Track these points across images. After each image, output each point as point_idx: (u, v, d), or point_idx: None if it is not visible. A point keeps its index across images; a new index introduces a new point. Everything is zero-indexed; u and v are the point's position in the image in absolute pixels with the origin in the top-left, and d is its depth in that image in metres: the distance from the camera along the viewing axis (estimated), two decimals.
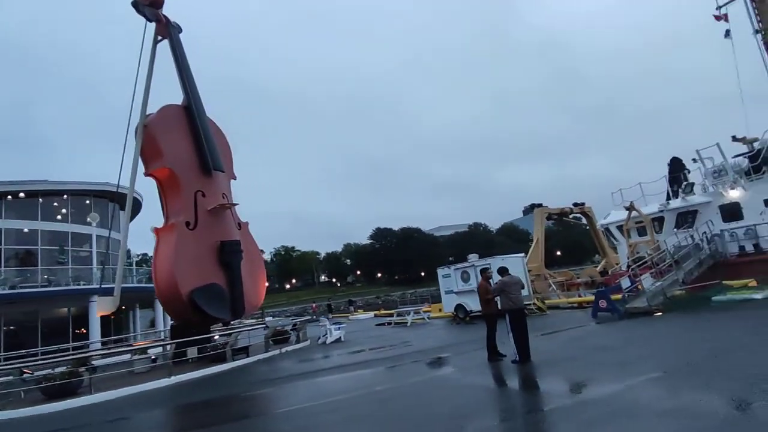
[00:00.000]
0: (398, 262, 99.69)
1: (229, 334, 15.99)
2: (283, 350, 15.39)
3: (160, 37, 16.72)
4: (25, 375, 11.06)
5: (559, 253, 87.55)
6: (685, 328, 10.45)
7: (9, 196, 25.05)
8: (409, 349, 12.12)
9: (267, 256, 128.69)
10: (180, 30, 17.70)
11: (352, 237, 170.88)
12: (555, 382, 6.57)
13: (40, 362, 12.90)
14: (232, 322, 16.52)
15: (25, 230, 24.81)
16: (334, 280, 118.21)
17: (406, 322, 20.42)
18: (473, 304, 18.54)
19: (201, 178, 15.72)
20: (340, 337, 16.99)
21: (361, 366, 10.39)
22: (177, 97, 16.71)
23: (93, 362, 12.77)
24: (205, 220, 15.31)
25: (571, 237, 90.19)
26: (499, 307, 8.49)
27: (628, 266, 16.34)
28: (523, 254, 19.25)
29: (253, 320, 38.49)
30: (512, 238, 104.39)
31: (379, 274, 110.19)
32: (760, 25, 19.40)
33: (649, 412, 4.57)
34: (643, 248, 17.80)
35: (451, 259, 19.68)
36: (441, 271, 20.52)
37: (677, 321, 11.44)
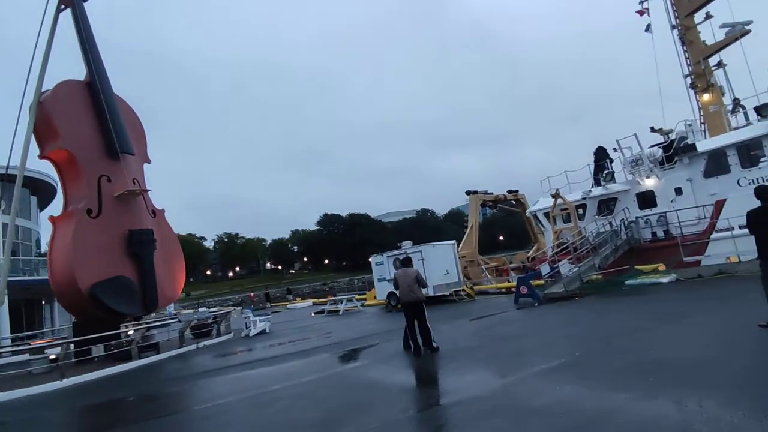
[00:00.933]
0: (346, 248, 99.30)
1: (153, 327, 15.05)
2: (201, 344, 14.54)
3: (63, 6, 15.00)
4: None
5: (502, 238, 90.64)
6: (597, 312, 10.78)
7: None
8: (328, 341, 11.74)
9: (209, 244, 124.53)
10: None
11: (299, 224, 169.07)
12: (445, 377, 6.43)
13: None
14: (144, 317, 15.42)
15: None
16: (280, 267, 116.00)
17: (338, 311, 20.09)
18: None
19: (106, 161, 14.39)
20: (264, 329, 16.34)
21: (269, 362, 9.88)
22: (80, 73, 15.17)
23: None
24: (110, 208, 14.07)
25: (514, 222, 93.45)
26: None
27: (547, 253, 16.81)
28: (453, 241, 19.34)
29: (189, 311, 37.04)
30: (459, 224, 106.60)
31: (327, 261, 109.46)
32: (677, 20, 20.32)
33: (521, 410, 4.42)
34: (567, 234, 18.39)
35: (399, 244, 19.56)
36: (374, 259, 20.31)
37: (589, 306, 11.78)
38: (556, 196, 19.34)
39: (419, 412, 4.96)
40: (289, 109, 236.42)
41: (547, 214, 20.94)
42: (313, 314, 22.19)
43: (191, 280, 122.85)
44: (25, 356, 13.06)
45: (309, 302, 33.32)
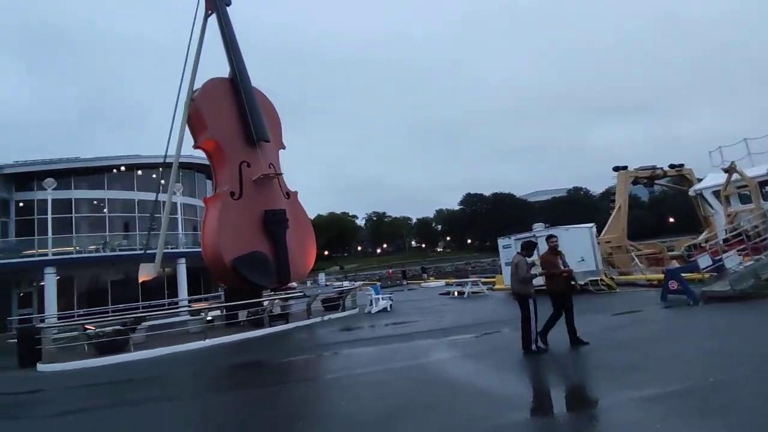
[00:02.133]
0: (489, 227, 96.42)
1: (287, 299, 16.67)
2: (326, 318, 15.52)
3: (209, 12, 17.03)
4: (87, 331, 12.36)
5: (672, 219, 77.88)
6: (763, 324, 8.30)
7: (114, 170, 28.29)
8: (438, 325, 11.37)
9: (360, 222, 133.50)
10: (229, 3, 17.86)
11: (442, 203, 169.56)
12: (524, 386, 5.54)
13: (109, 318, 14.46)
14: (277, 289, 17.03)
15: (125, 200, 27.96)
16: (424, 245, 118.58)
17: (464, 294, 19.51)
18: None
19: (246, 149, 16.04)
20: (386, 307, 16.70)
21: (372, 342, 10.00)
22: (224, 69, 17.09)
23: (150, 322, 14.06)
24: (250, 190, 15.70)
25: (687, 201, 79.49)
26: None
27: (707, 240, 13.50)
28: (592, 224, 17.00)
29: (338, 283, 40.28)
30: None
31: (470, 240, 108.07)
32: None
33: None
34: (744, 218, 14.58)
35: (547, 225, 18.18)
36: (501, 242, 19.12)
37: (763, 313, 9.16)
38: (730, 170, 15.35)
39: (471, 422, 4.30)
40: (426, 92, 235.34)
41: (716, 193, 16.90)
42: (440, 294, 22.09)
43: (345, 254, 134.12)
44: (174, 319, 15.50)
45: (442, 282, 33.26)
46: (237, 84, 16.45)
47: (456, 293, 20.38)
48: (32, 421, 6.43)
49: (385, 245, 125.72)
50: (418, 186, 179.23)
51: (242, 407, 5.81)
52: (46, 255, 22.71)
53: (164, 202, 16.21)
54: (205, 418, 5.69)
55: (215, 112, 15.72)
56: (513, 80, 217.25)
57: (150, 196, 28.76)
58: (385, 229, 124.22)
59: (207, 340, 12.12)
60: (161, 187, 29.56)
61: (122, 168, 28.32)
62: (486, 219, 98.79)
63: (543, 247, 8.15)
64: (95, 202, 27.61)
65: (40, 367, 10.61)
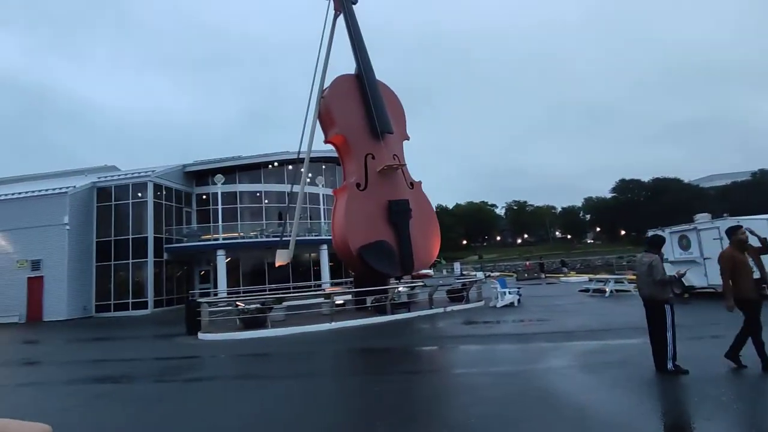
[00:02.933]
0: (648, 218, 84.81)
1: (412, 288, 17.03)
2: (448, 309, 15.38)
3: (337, 13, 17.97)
4: (239, 307, 14.25)
5: None
6: None
7: (269, 165, 31.97)
8: (562, 327, 10.37)
9: (500, 211, 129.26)
10: (355, 1, 18.60)
11: (589, 191, 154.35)
12: (646, 417, 4.62)
13: (256, 297, 16.46)
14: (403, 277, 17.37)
15: (278, 191, 31.42)
16: (569, 236, 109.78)
17: (605, 292, 17.50)
18: (694, 278, 14.61)
19: (371, 141, 16.63)
20: (513, 302, 15.88)
21: (483, 340, 9.55)
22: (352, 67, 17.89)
23: (289, 302, 15.61)
24: (374, 181, 16.27)
25: None
26: None
27: None
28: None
29: (476, 273, 39.73)
30: None
31: (624, 232, 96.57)
32: None
33: None
34: None
35: (724, 215, 15.48)
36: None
37: None
38: None
39: None
40: (561, 68, 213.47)
41: None
42: (579, 291, 20.25)
43: (484, 244, 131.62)
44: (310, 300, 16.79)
45: (585, 277, 30.34)
46: (362, 79, 17.11)
47: (595, 291, 18.39)
48: (175, 384, 7.62)
49: (526, 235, 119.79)
50: (562, 173, 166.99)
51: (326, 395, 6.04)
52: (218, 240, 26.84)
53: (297, 194, 17.65)
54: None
55: (342, 108, 16.60)
56: (672, 45, 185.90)
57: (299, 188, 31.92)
58: (526, 218, 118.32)
59: (333, 323, 12.99)
60: (298, 180, 32.71)
61: (275, 164, 31.84)
62: (644, 208, 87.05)
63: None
64: (257, 194, 31.62)
65: (200, 335, 12.59)
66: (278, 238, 28.86)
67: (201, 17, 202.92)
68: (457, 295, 16.96)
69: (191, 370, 8.75)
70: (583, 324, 10.64)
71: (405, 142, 18.22)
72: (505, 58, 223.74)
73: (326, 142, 16.95)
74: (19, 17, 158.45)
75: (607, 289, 17.51)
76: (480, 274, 36.78)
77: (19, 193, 24.95)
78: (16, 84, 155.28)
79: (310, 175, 33.10)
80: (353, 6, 18.39)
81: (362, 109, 16.89)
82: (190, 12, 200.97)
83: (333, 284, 27.85)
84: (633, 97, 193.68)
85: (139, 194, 25.62)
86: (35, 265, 23.71)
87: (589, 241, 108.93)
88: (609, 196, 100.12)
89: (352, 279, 32.05)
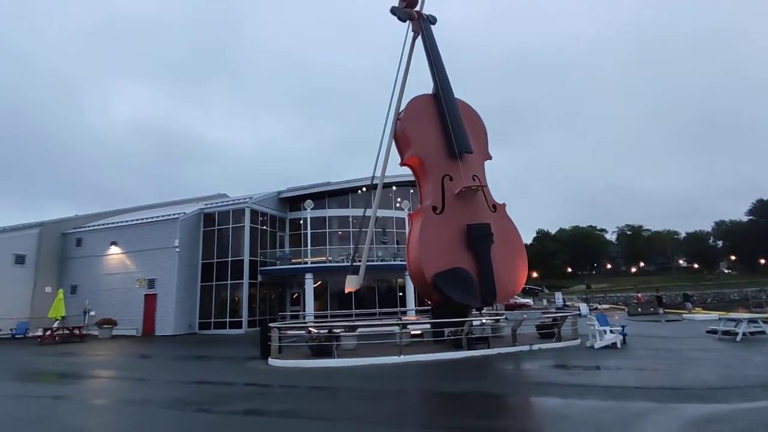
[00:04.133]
0: None
1: (497, 320, 15.65)
2: (535, 347, 13.68)
3: (415, 34, 17.74)
4: (312, 333, 14.09)
5: None
6: None
7: (358, 191, 32.53)
8: (671, 381, 8.43)
9: (610, 237, 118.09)
10: (434, 21, 18.24)
11: (720, 213, 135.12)
12: None
13: (337, 321, 16.25)
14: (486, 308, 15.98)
15: (365, 215, 31.62)
16: (697, 265, 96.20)
17: (736, 335, 14.37)
18: None
19: (448, 162, 15.81)
20: (615, 343, 13.68)
21: (570, 392, 7.99)
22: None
23: (364, 329, 15.16)
24: (452, 204, 15.35)
25: None
26: None
27: None
28: None
29: (584, 304, 36.14)
30: None
31: (762, 261, 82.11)
32: None
33: None
34: None
35: None
36: None
37: None
38: None
39: None
40: (666, 74, 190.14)
41: None
42: (706, 332, 17.04)
43: (593, 273, 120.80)
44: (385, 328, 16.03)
45: (714, 315, 25.69)
46: (439, 98, 16.50)
47: (724, 333, 15.19)
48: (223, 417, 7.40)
49: (642, 264, 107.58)
50: (683, 194, 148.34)
51: None
52: (306, 264, 27.63)
53: (369, 218, 17.33)
54: None
55: (418, 128, 16.08)
56: None
57: (386, 212, 31.95)
58: (642, 244, 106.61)
59: (402, 356, 12.17)
60: (392, 204, 32.61)
61: (363, 189, 32.28)
62: None
63: None
64: (346, 218, 32.27)
65: (270, 361, 12.56)
66: (358, 263, 29.23)
67: (296, 57, 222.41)
68: (547, 331, 15.14)
69: (244, 400, 8.54)
70: (701, 378, 8.55)
71: (489, 163, 17.11)
72: (602, 64, 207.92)
73: (402, 164, 16.49)
74: (146, 69, 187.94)
75: (738, 332, 14.36)
76: (584, 307, 33.24)
77: (141, 219, 28.24)
78: (151, 125, 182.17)
79: (399, 199, 33.07)
80: (432, 26, 18.05)
81: (439, 129, 16.21)
82: (289, 54, 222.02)
83: (418, 312, 26.97)
84: (755, 100, 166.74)
85: (239, 219, 27.47)
86: (151, 283, 26.39)
87: (725, 271, 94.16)
88: (746, 219, 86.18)
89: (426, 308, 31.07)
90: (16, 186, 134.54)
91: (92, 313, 26.81)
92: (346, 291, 15.84)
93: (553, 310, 29.36)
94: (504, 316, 14.68)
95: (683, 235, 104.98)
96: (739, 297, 61.04)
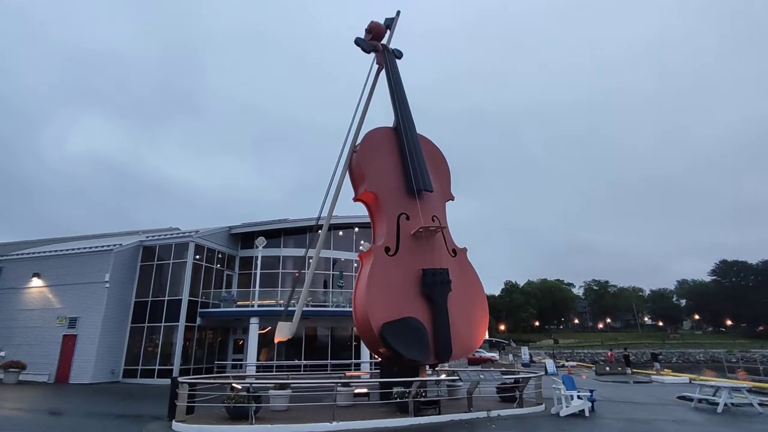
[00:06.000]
0: (760, 307, 72.71)
1: (453, 380, 13.74)
2: (494, 413, 11.81)
3: (378, 66, 16.83)
4: (233, 389, 11.79)
5: None
6: None
7: (318, 230, 30.65)
8: None
9: (577, 291, 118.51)
10: (399, 56, 17.46)
11: (682, 272, 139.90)
12: None
13: (258, 378, 13.97)
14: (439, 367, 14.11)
15: (323, 258, 29.68)
16: (661, 323, 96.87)
17: (716, 406, 12.89)
18: None
19: (405, 199, 14.42)
20: (583, 410, 11.97)
21: None
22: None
23: (302, 383, 12.98)
24: (407, 246, 13.81)
25: None
26: None
27: None
28: None
29: (549, 360, 34.35)
30: None
31: (730, 322, 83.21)
32: None
33: None
34: None
35: None
36: None
37: None
38: None
39: None
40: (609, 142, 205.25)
41: None
42: (677, 398, 15.59)
43: (560, 327, 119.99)
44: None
45: (684, 377, 24.43)
46: (400, 132, 15.34)
47: (701, 401, 13.72)
48: None
49: (608, 320, 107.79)
50: (645, 252, 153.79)
51: None
52: (252, 306, 25.20)
53: (310, 259, 15.56)
54: None
55: (375, 162, 14.72)
56: (746, 113, 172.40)
57: (346, 254, 30.08)
58: (608, 300, 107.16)
59: (334, 423, 10.08)
60: (353, 246, 30.83)
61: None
62: (754, 294, 74.74)
63: None
64: (301, 259, 30.16)
65: (174, 425, 10.21)
66: (318, 308, 26.93)
67: (255, 103, 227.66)
68: (508, 395, 13.33)
69: None
70: None
71: (450, 204, 15.83)
72: (552, 135, 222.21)
73: (355, 199, 14.98)
74: (108, 105, 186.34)
75: (719, 402, 12.89)
76: (550, 363, 31.53)
77: (71, 249, 25.44)
78: (107, 159, 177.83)
79: (361, 241, 31.32)
80: (397, 60, 17.21)
81: (398, 163, 14.93)
82: (248, 100, 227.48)
83: (375, 365, 24.69)
84: (702, 173, 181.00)
85: (181, 254, 25.05)
86: (72, 322, 23.32)
87: (691, 331, 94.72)
88: (708, 279, 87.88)
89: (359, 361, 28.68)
90: None
91: (2, 353, 23.41)
92: (276, 340, 13.71)
93: (520, 368, 27.60)
94: (458, 377, 12.79)
95: (647, 292, 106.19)
96: (704, 358, 60.62)
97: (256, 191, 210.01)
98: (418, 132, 15.90)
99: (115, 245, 24.43)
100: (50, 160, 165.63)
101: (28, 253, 26.82)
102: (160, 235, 27.41)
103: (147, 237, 26.92)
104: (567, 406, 12.06)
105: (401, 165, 14.92)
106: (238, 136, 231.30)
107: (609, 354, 36.79)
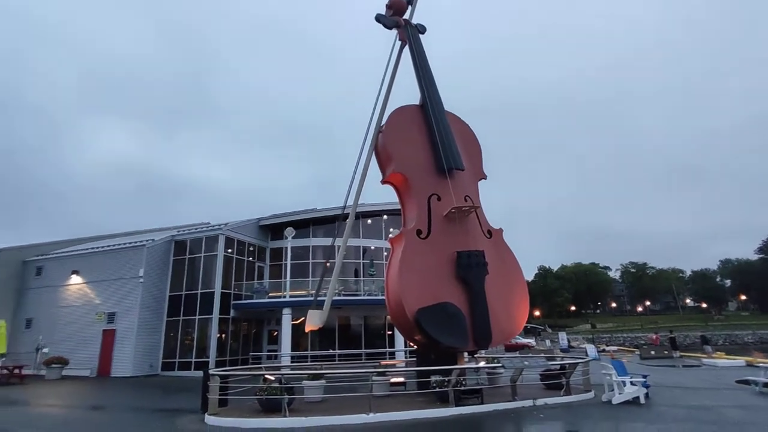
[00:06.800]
0: None
1: (494, 367, 13.09)
2: (538, 402, 11.11)
3: (401, 42, 16.10)
4: (266, 381, 11.50)
5: None
6: None
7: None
8: None
9: (614, 274, 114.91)
10: (423, 30, 16.66)
11: (725, 252, 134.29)
12: None
13: (290, 369, 13.68)
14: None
15: (353, 246, 29.33)
16: (704, 305, 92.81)
17: None
18: None
19: (436, 179, 13.72)
20: (637, 397, 11.13)
21: None
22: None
23: (336, 372, 12.60)
24: (440, 228, 13.14)
25: None
26: None
27: None
28: None
29: (591, 345, 33.16)
30: None
31: None
32: None
33: None
34: None
35: None
36: None
37: None
38: None
39: None
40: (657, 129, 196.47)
41: None
42: (736, 382, 14.50)
43: (597, 311, 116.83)
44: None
45: (740, 360, 22.94)
46: (427, 109, 14.60)
47: (766, 386, 12.61)
48: None
49: (647, 303, 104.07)
50: (684, 233, 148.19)
51: None
52: (285, 297, 25.08)
53: (338, 247, 15.08)
54: None
55: (402, 142, 14.06)
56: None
57: (376, 242, 29.62)
58: (646, 282, 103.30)
59: (372, 414, 9.62)
60: (383, 234, 30.33)
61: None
62: None
63: None
64: (331, 248, 29.86)
65: (207, 418, 9.97)
66: (351, 297, 26.58)
67: (277, 107, 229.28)
68: (554, 382, 12.58)
69: None
70: None
71: (482, 183, 15.03)
72: (570, 111, 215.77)
73: (383, 182, 14.37)
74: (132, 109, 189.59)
75: None
76: (591, 348, 30.31)
77: (106, 246, 25.90)
78: (133, 162, 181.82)
79: (390, 229, 30.77)
80: (420, 35, 16.42)
81: (426, 142, 14.22)
82: (269, 102, 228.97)
83: (410, 353, 24.24)
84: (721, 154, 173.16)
85: (212, 247, 25.13)
86: (110, 317, 23.77)
87: (737, 312, 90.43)
88: (755, 257, 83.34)
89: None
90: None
91: (45, 350, 24.04)
92: (307, 329, 13.34)
93: (560, 353, 26.60)
94: (501, 364, 12.12)
95: (688, 273, 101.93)
96: (753, 339, 57.67)
97: (281, 187, 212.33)
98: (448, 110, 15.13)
99: (147, 241, 24.71)
100: (79, 164, 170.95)
101: (65, 252, 27.51)
102: (190, 230, 27.59)
103: (178, 231, 27.15)
104: (620, 393, 11.23)
105: (430, 143, 14.21)
106: (264, 129, 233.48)
107: (654, 337, 35.19)
